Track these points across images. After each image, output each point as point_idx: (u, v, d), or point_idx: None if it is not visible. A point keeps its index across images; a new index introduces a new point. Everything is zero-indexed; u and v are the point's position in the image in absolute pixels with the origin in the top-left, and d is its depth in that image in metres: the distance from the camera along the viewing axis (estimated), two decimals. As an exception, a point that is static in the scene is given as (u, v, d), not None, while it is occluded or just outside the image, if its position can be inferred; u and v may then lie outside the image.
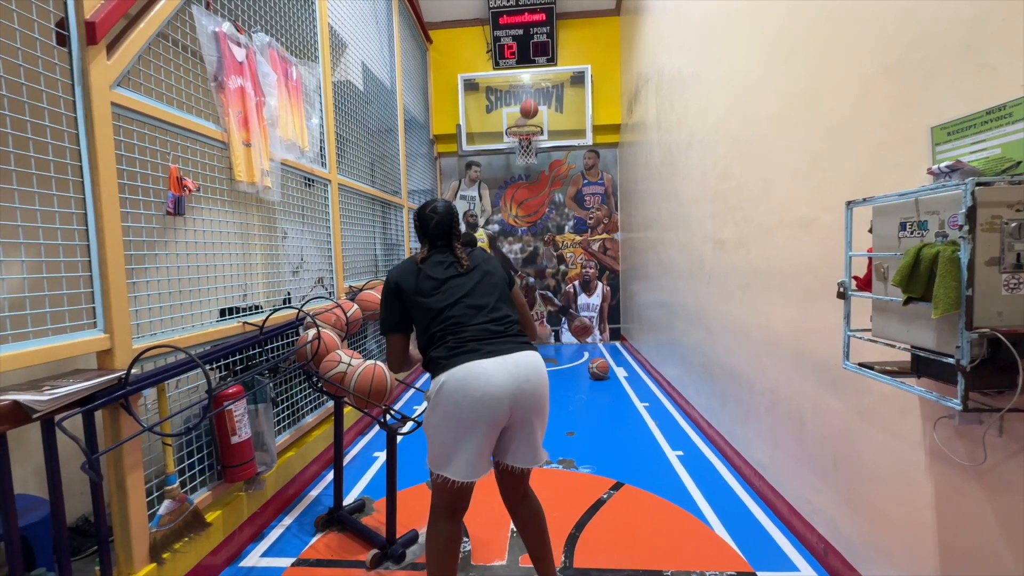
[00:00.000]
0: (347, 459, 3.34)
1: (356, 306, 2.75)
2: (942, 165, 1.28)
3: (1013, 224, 1.09)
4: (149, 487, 1.89)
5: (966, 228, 1.10)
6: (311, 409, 3.17)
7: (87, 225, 1.65)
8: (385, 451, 2.32)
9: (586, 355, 6.43)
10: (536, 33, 6.74)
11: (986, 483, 1.35)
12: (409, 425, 2.20)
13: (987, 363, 1.13)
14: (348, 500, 2.67)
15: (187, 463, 2.10)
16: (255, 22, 2.66)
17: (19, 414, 1.38)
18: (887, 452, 1.71)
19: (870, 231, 1.48)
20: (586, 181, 7.15)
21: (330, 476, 3.02)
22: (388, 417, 2.21)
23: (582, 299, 7.28)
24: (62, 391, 1.45)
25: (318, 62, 3.32)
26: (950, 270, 1.13)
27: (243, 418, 2.19)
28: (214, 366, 2.26)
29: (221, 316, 2.33)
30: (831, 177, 1.97)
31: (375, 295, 2.86)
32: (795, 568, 2.08)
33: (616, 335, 7.26)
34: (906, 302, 1.26)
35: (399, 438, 2.23)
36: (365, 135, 4.29)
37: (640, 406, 4.29)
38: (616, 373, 5.45)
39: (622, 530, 2.37)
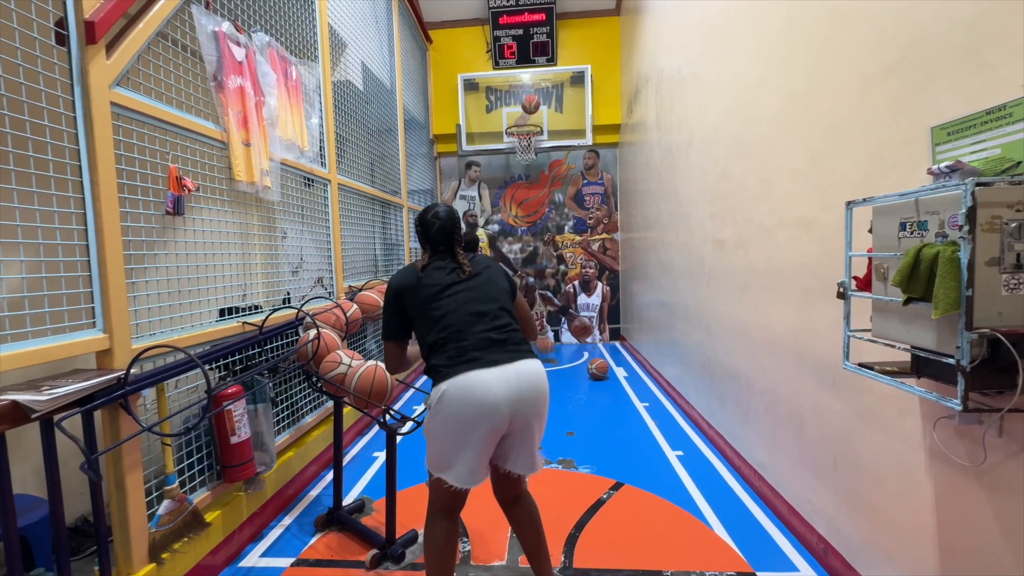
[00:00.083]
0: (347, 459, 3.34)
1: (356, 306, 2.75)
2: (942, 165, 1.28)
3: (1013, 224, 1.09)
4: (148, 487, 1.88)
5: (966, 228, 1.10)
6: (310, 409, 3.16)
7: (86, 225, 1.65)
8: (385, 451, 2.32)
9: (586, 355, 6.43)
10: (536, 33, 6.74)
11: (986, 483, 1.35)
12: (409, 425, 2.20)
13: (987, 363, 1.13)
14: (348, 500, 2.67)
15: (186, 463, 2.10)
16: (255, 22, 2.66)
17: (18, 414, 1.38)
18: (887, 452, 1.71)
19: (870, 231, 1.48)
20: (586, 181, 7.15)
21: (329, 476, 3.02)
22: (388, 417, 2.21)
23: (582, 299, 7.28)
24: (61, 391, 1.45)
25: (318, 62, 3.32)
26: (950, 270, 1.13)
27: (242, 418, 2.19)
28: (213, 366, 2.26)
29: (220, 316, 2.32)
30: (831, 177, 1.97)
31: (374, 296, 2.86)
32: (795, 568, 2.08)
33: (616, 335, 7.26)
34: (906, 302, 1.26)
35: (399, 438, 2.23)
36: (365, 135, 4.29)
37: (640, 406, 4.29)
38: (616, 373, 5.45)
39: (622, 530, 2.36)
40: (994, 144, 1.27)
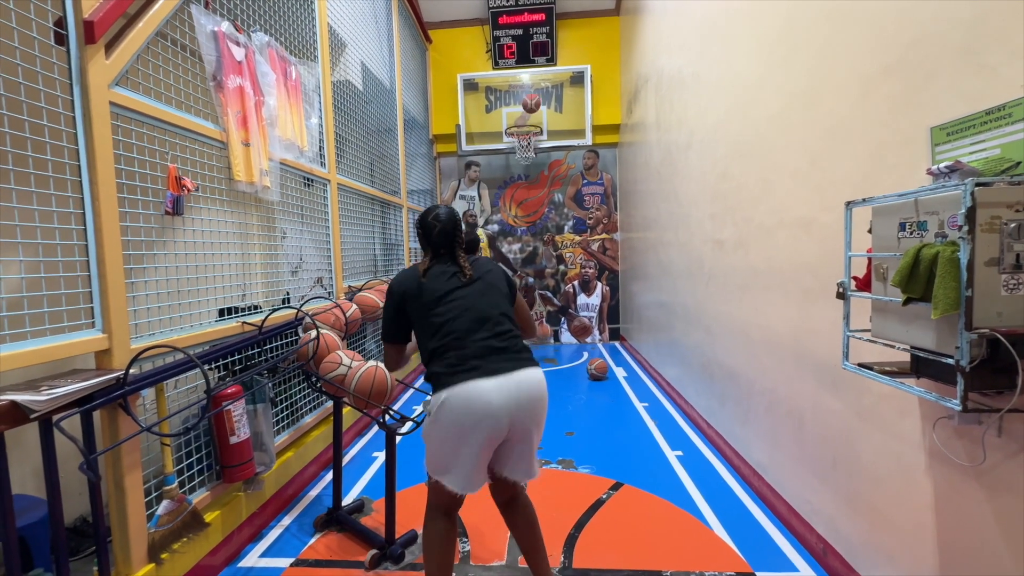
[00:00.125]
0: (346, 459, 3.34)
1: (355, 306, 2.75)
2: (941, 165, 1.28)
3: (1012, 224, 1.09)
4: (147, 487, 1.88)
5: (965, 228, 1.10)
6: (310, 409, 3.16)
7: (85, 225, 1.65)
8: (384, 451, 2.32)
9: (585, 355, 6.43)
10: (536, 33, 6.74)
11: (985, 483, 1.35)
12: (408, 425, 2.20)
13: (986, 363, 1.13)
14: (347, 500, 2.67)
15: (186, 463, 2.10)
16: (254, 21, 2.66)
17: (17, 414, 1.38)
18: (886, 452, 1.71)
19: (869, 231, 1.48)
20: (585, 181, 7.15)
21: (329, 476, 3.02)
22: (387, 417, 2.21)
23: (581, 299, 7.28)
24: (60, 391, 1.45)
25: (317, 62, 3.32)
26: (949, 270, 1.13)
27: (242, 418, 2.19)
28: (213, 366, 2.26)
29: (220, 316, 2.32)
30: (831, 177, 1.97)
31: (373, 296, 2.86)
32: (794, 568, 2.08)
33: (615, 335, 7.26)
34: (905, 302, 1.26)
35: (398, 438, 2.23)
36: (364, 135, 4.28)
37: (639, 406, 4.29)
38: (615, 373, 5.45)
39: (621, 530, 2.36)
40: (993, 144, 1.27)
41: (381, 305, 2.99)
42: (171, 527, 1.90)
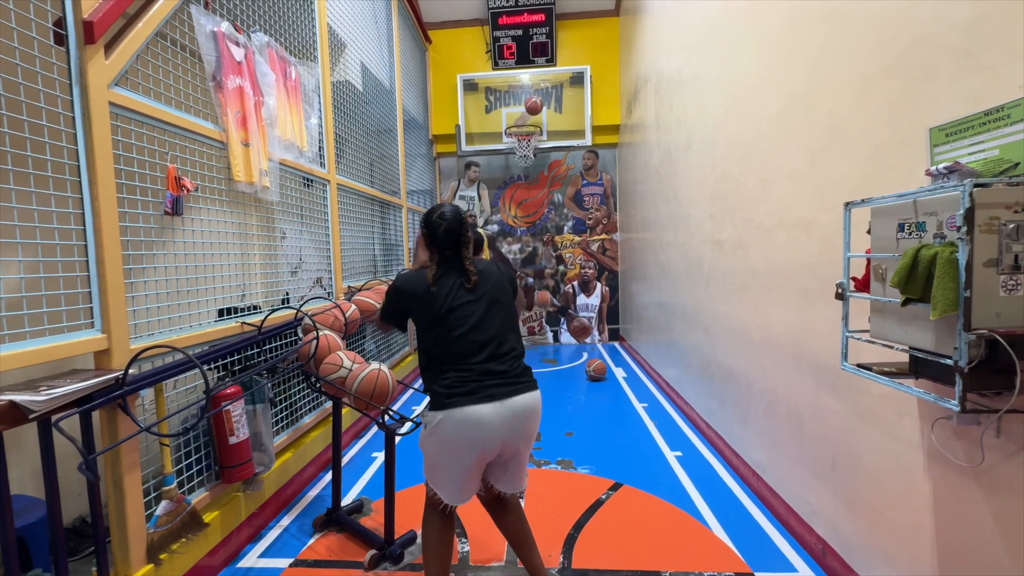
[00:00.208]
0: (345, 459, 3.33)
1: (355, 306, 2.75)
2: (940, 166, 1.28)
3: (1011, 225, 1.09)
4: (146, 488, 1.88)
5: (964, 229, 1.10)
6: (309, 410, 3.16)
7: (85, 225, 1.64)
8: (383, 451, 2.32)
9: (585, 355, 6.43)
10: (535, 33, 6.75)
11: (984, 484, 1.35)
12: (407, 426, 2.20)
13: (985, 364, 1.13)
14: (346, 500, 2.67)
15: (185, 463, 2.10)
16: (254, 22, 2.66)
17: (16, 414, 1.38)
18: (885, 453, 1.71)
19: (869, 232, 1.48)
20: (585, 181, 7.16)
21: (328, 477, 3.02)
22: (387, 418, 2.21)
23: (581, 299, 7.28)
24: (59, 391, 1.45)
25: (317, 62, 3.32)
26: (948, 271, 1.13)
27: (241, 418, 2.19)
28: (212, 366, 2.26)
29: (219, 316, 2.32)
30: (830, 178, 1.98)
31: (373, 296, 2.86)
32: (793, 569, 2.08)
33: (615, 336, 7.26)
34: (904, 303, 1.27)
35: (397, 439, 2.23)
36: (364, 135, 4.28)
37: (639, 407, 4.29)
38: (615, 374, 5.45)
39: (621, 531, 2.36)
40: (992, 145, 1.27)
41: (378, 307, 2.99)
42: (170, 527, 1.90)
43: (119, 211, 1.74)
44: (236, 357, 2.37)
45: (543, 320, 7.34)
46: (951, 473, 1.44)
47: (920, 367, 1.35)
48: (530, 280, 7.28)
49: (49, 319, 1.53)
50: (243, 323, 2.38)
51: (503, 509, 1.87)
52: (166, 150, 2.01)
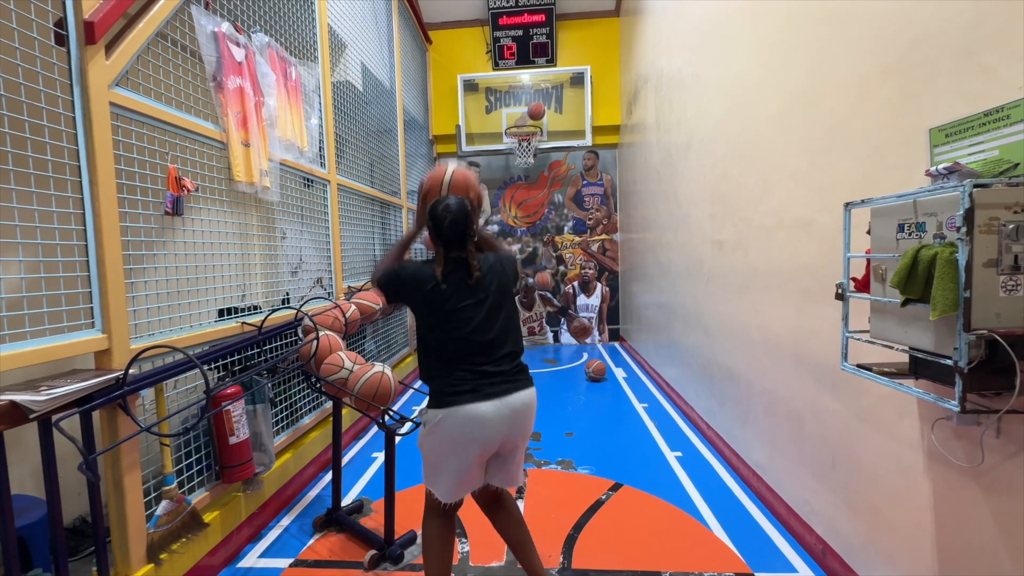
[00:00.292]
0: (345, 460, 3.33)
1: (354, 307, 2.75)
2: (940, 167, 1.28)
3: (1011, 226, 1.09)
4: (147, 487, 1.88)
5: (964, 230, 1.10)
6: (309, 410, 3.16)
7: (85, 225, 1.65)
8: (383, 452, 2.32)
9: (585, 356, 6.43)
10: (536, 34, 6.75)
11: (984, 484, 1.35)
12: (407, 426, 2.20)
13: (985, 365, 1.13)
14: (346, 501, 2.67)
15: (185, 463, 2.10)
16: (254, 22, 2.66)
17: (16, 414, 1.38)
18: (885, 453, 1.71)
19: (868, 232, 1.48)
20: (585, 182, 7.16)
21: (328, 477, 3.02)
22: (387, 418, 2.21)
23: (581, 300, 7.28)
24: (59, 391, 1.45)
25: (317, 62, 3.32)
26: (948, 272, 1.13)
27: (241, 418, 2.19)
28: (212, 366, 2.26)
29: (219, 316, 2.32)
30: (830, 178, 1.98)
31: (371, 304, 2.85)
32: (793, 569, 2.08)
33: (615, 336, 7.26)
34: (904, 303, 1.27)
35: (397, 439, 2.23)
36: (364, 135, 4.29)
37: (639, 407, 4.29)
38: (615, 374, 5.45)
39: (621, 531, 2.36)
40: (992, 146, 1.27)
41: (378, 308, 2.98)
42: (170, 527, 1.90)
43: (119, 211, 1.74)
44: (236, 357, 2.37)
45: (543, 320, 7.34)
46: (951, 473, 1.44)
47: (920, 367, 1.35)
48: (530, 280, 7.28)
49: (49, 319, 1.54)
50: (243, 323, 2.38)
51: (502, 513, 1.86)
52: (166, 150, 2.01)
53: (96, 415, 1.67)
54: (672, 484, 2.83)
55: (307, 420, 3.08)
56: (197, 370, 1.95)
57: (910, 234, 1.30)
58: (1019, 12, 1.22)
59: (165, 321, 2.00)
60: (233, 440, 2.15)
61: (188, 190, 2.04)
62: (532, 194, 7.23)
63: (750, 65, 2.70)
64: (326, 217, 3.45)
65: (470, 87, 6.83)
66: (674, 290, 4.35)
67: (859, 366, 1.51)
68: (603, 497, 2.69)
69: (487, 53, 6.91)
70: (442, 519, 1.75)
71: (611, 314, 7.24)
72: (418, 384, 4.96)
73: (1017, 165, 1.19)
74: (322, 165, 3.37)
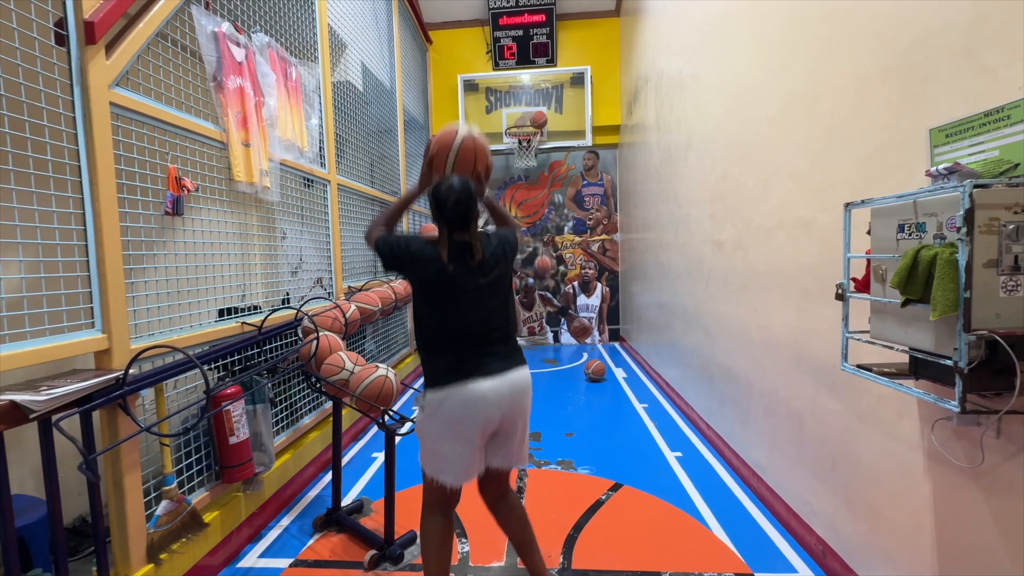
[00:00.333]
0: (346, 460, 3.33)
1: (354, 307, 2.75)
2: (940, 167, 1.28)
3: (1011, 226, 1.09)
4: (147, 487, 1.88)
5: (964, 230, 1.10)
6: (309, 410, 3.16)
7: (85, 225, 1.65)
8: (384, 452, 2.32)
9: (585, 356, 6.43)
10: (536, 34, 6.75)
11: (984, 484, 1.35)
12: (407, 426, 2.20)
13: (985, 365, 1.13)
14: (346, 501, 2.67)
15: (185, 463, 2.10)
16: (254, 22, 2.66)
17: (16, 414, 1.38)
18: (885, 453, 1.71)
19: (869, 233, 1.48)
20: (585, 182, 7.16)
21: (328, 477, 3.02)
22: (387, 418, 2.21)
23: (581, 300, 7.28)
24: (59, 391, 1.45)
25: (318, 62, 3.32)
26: (948, 272, 1.13)
27: (241, 418, 2.19)
28: (212, 366, 2.26)
29: (219, 316, 2.32)
30: (830, 178, 1.98)
31: (373, 297, 2.86)
32: (793, 570, 2.08)
33: (615, 336, 7.26)
34: (904, 304, 1.27)
35: (397, 439, 2.23)
36: (364, 135, 4.29)
37: (639, 407, 4.29)
38: (615, 374, 5.45)
39: (621, 531, 2.36)
40: (992, 146, 1.27)
41: (378, 308, 2.99)
42: (170, 527, 1.90)
43: (119, 211, 1.74)
44: (236, 357, 2.37)
45: (543, 320, 7.33)
46: (951, 474, 1.44)
47: (920, 368, 1.35)
48: (530, 281, 7.27)
49: (49, 319, 1.54)
50: (243, 323, 2.38)
51: (507, 510, 1.85)
52: (167, 150, 2.01)
53: (96, 415, 1.67)
54: (672, 484, 2.83)
55: (307, 420, 3.08)
56: (197, 370, 1.95)
57: (910, 234, 1.30)
58: (1019, 12, 1.22)
59: (165, 321, 2.00)
60: (233, 440, 2.15)
61: (188, 190, 2.04)
62: (532, 194, 7.23)
63: (750, 65, 2.70)
64: (326, 217, 3.45)
65: (470, 87, 6.84)
66: (674, 290, 4.35)
67: (859, 366, 1.50)
68: (603, 497, 2.69)
69: (487, 53, 6.91)
70: (442, 518, 1.74)
71: (611, 314, 7.23)
72: (418, 384, 4.96)
73: (1017, 165, 1.19)
74: (322, 165, 3.37)
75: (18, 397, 1.38)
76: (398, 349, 5.19)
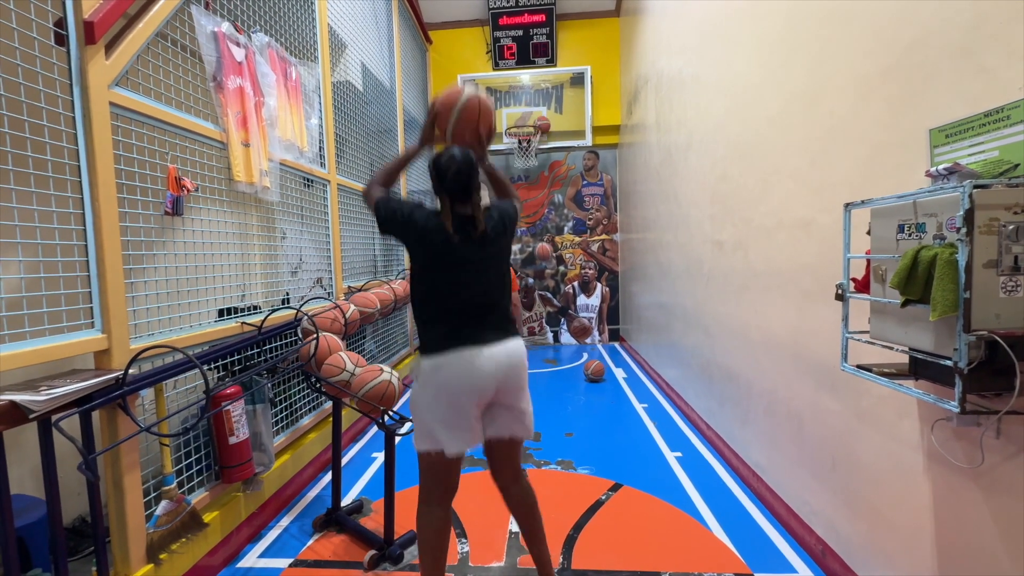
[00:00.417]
0: (345, 460, 3.33)
1: (354, 307, 2.75)
2: (940, 167, 1.28)
3: (1011, 227, 1.09)
4: (146, 487, 1.88)
5: (964, 230, 1.10)
6: (309, 410, 3.16)
7: (85, 225, 1.65)
8: (383, 452, 2.32)
9: (585, 356, 6.43)
10: (536, 34, 6.75)
11: (983, 485, 1.35)
12: (407, 426, 2.20)
13: (984, 365, 1.13)
14: (346, 501, 2.67)
15: (185, 463, 2.10)
16: (254, 22, 2.66)
17: (16, 414, 1.38)
18: (885, 454, 1.71)
19: (868, 233, 1.48)
20: (585, 182, 7.16)
21: (328, 477, 3.02)
22: (387, 418, 2.21)
23: (581, 300, 7.28)
24: (59, 391, 1.45)
25: (317, 62, 3.32)
26: (948, 272, 1.13)
27: (241, 418, 2.19)
28: (212, 366, 2.26)
29: (219, 316, 2.32)
30: (830, 179, 1.98)
31: (370, 308, 2.85)
32: (793, 570, 2.08)
33: (615, 336, 7.26)
34: (904, 304, 1.27)
35: (397, 439, 2.23)
36: (364, 135, 4.29)
37: (639, 407, 4.29)
38: (615, 374, 5.45)
39: (620, 531, 2.36)
40: (992, 147, 1.27)
41: (377, 308, 2.99)
42: (170, 527, 1.90)
43: (119, 211, 1.74)
44: (236, 357, 2.37)
45: (543, 320, 7.33)
46: (951, 474, 1.44)
47: (920, 368, 1.35)
48: (530, 281, 7.27)
49: (49, 319, 1.54)
50: (243, 323, 2.38)
51: (517, 497, 1.86)
52: (166, 150, 2.01)
53: (96, 415, 1.67)
54: (672, 484, 2.83)
55: (306, 420, 3.08)
56: (197, 370, 1.95)
57: (910, 235, 1.30)
58: (1019, 12, 1.22)
59: (165, 321, 2.00)
60: (233, 440, 2.15)
61: (188, 190, 2.04)
62: (532, 194, 7.23)
63: (750, 65, 2.70)
64: (326, 217, 3.45)
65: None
66: (674, 290, 4.35)
67: (859, 367, 1.50)
68: (603, 497, 2.69)
69: (487, 53, 6.91)
70: (440, 509, 1.74)
71: (611, 314, 7.23)
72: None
73: (1017, 166, 1.19)
74: (322, 165, 3.37)
75: (18, 397, 1.38)
76: (398, 349, 5.19)
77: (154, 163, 1.94)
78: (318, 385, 2.43)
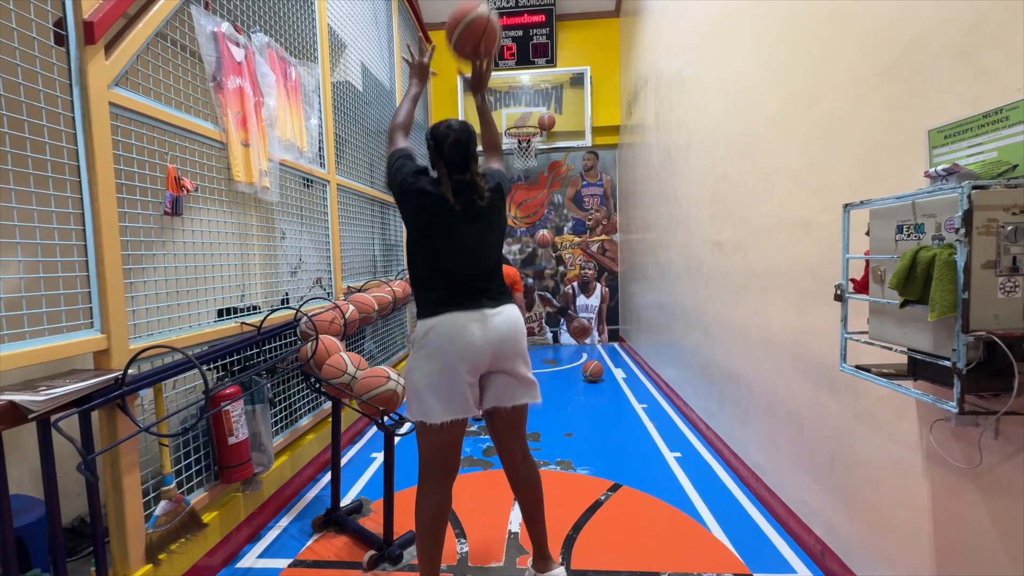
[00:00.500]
0: (345, 460, 3.33)
1: (353, 307, 2.75)
2: (939, 168, 1.29)
3: (1009, 227, 1.10)
4: (145, 488, 1.88)
5: (962, 231, 1.10)
6: (308, 410, 3.16)
7: (84, 225, 1.65)
8: (383, 452, 2.32)
9: (584, 356, 6.43)
10: (535, 34, 6.75)
11: (982, 485, 1.35)
12: (407, 426, 2.20)
13: (983, 366, 1.13)
14: (345, 501, 2.67)
15: (184, 464, 2.10)
16: (254, 22, 2.66)
17: (15, 414, 1.38)
18: (884, 454, 1.71)
19: (867, 234, 1.48)
20: (585, 182, 7.16)
21: (327, 477, 3.02)
22: (386, 419, 2.21)
23: (581, 300, 7.28)
24: (58, 391, 1.45)
25: (317, 62, 3.32)
26: (946, 273, 1.13)
27: (240, 419, 2.19)
28: (211, 366, 2.26)
29: (219, 316, 2.32)
30: (829, 179, 1.98)
31: (372, 297, 2.86)
32: (792, 570, 2.08)
33: (615, 336, 7.26)
34: (903, 305, 1.27)
35: (397, 439, 2.23)
36: (364, 135, 4.29)
37: (638, 407, 4.29)
38: (614, 375, 5.45)
39: (620, 532, 2.36)
40: (991, 147, 1.27)
41: (377, 309, 2.99)
42: (169, 528, 1.90)
43: (119, 211, 1.74)
44: (236, 357, 2.37)
45: (543, 320, 7.33)
46: (949, 474, 1.45)
47: (918, 369, 1.35)
48: (530, 281, 7.27)
49: (49, 319, 1.54)
50: (242, 323, 2.38)
51: (524, 477, 1.87)
52: (166, 150, 2.01)
53: (95, 415, 1.67)
54: (671, 485, 2.84)
55: (306, 420, 3.08)
56: (196, 370, 1.95)
57: (909, 235, 1.30)
58: (1019, 13, 1.23)
59: (164, 321, 2.00)
60: (232, 440, 2.15)
61: (187, 190, 2.04)
62: (532, 194, 7.23)
63: (750, 65, 2.71)
64: (326, 217, 3.45)
65: (470, 87, 6.83)
66: (674, 291, 4.36)
67: (858, 367, 1.51)
68: (602, 498, 2.69)
69: (487, 53, 6.91)
70: (439, 493, 1.75)
71: (611, 315, 7.24)
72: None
73: (1016, 167, 1.19)
74: (322, 165, 3.37)
75: (17, 397, 1.38)
76: (397, 349, 5.19)
77: (154, 163, 1.94)
78: (318, 386, 2.43)
